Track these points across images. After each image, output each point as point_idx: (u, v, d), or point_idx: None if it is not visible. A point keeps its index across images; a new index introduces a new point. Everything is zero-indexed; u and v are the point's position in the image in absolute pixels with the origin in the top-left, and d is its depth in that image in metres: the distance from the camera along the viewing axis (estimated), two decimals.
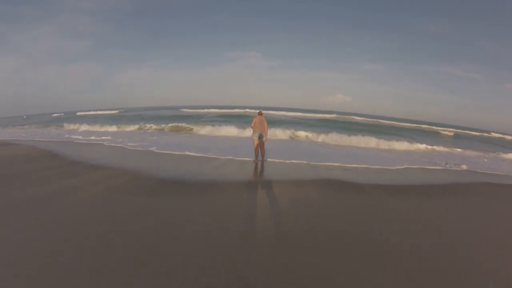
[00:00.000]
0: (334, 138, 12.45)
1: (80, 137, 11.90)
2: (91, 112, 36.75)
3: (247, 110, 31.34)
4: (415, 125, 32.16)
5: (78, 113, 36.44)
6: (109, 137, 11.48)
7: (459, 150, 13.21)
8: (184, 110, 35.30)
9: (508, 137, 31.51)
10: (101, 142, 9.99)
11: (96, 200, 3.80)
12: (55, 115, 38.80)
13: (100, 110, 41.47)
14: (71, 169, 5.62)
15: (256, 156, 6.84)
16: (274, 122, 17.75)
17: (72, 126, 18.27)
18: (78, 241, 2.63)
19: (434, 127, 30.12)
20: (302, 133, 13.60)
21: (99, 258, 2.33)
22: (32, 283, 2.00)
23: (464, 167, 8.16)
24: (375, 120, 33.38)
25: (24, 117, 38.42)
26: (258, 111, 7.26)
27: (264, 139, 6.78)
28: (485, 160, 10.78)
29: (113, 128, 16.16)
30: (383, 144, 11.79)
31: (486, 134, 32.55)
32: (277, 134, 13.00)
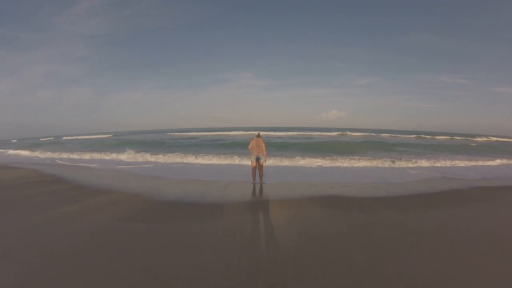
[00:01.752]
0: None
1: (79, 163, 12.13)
2: (81, 137, 37.25)
3: (225, 132, 32.65)
4: (428, 136, 32.81)
5: (64, 138, 37.00)
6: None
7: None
8: (176, 133, 36.41)
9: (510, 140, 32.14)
10: (98, 167, 10.25)
11: (100, 227, 3.98)
12: (42, 139, 39.23)
13: (93, 134, 42.18)
14: (74, 194, 6.05)
15: (254, 178, 7.07)
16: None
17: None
18: (85, 270, 2.73)
19: (443, 137, 30.78)
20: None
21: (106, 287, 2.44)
22: None
23: None
24: (378, 134, 34.00)
25: (13, 141, 38.55)
26: (256, 133, 7.58)
27: (262, 161, 7.08)
28: None
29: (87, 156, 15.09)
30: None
31: (487, 139, 33.24)
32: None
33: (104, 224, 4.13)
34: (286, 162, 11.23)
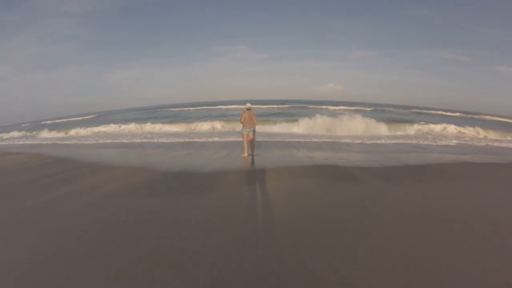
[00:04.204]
0: None
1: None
2: (59, 120, 36.97)
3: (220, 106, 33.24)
4: (438, 111, 33.07)
5: (43, 122, 36.79)
6: None
7: None
8: (171, 109, 36.73)
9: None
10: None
11: (100, 204, 4.23)
12: (24, 125, 39.04)
13: (78, 116, 42.01)
14: (76, 173, 6.44)
15: (246, 150, 7.84)
16: None
17: None
18: (85, 248, 2.87)
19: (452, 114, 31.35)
20: None
21: (107, 263, 2.53)
22: None
23: None
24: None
25: None
26: (246, 105, 7.84)
27: (254, 133, 7.85)
28: None
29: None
30: None
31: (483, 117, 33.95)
32: None
33: (104, 201, 4.40)
34: (281, 137, 11.90)
